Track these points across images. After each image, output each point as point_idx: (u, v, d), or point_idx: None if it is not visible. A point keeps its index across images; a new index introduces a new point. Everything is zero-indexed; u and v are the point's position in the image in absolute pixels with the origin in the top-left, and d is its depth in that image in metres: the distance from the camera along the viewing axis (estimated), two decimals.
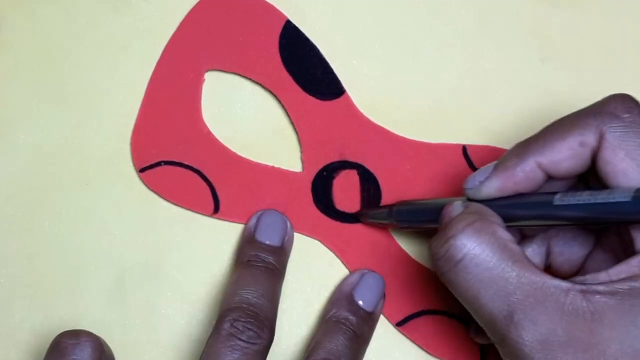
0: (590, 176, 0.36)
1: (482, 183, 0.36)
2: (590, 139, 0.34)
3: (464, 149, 0.43)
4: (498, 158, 0.36)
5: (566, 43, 0.44)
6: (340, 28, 0.44)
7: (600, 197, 0.33)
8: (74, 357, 0.36)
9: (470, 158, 0.43)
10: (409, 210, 0.41)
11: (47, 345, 0.37)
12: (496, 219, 0.35)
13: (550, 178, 0.35)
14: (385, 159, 0.43)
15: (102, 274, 0.42)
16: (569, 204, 0.34)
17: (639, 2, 0.45)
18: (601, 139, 0.34)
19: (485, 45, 0.44)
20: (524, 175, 0.35)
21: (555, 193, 0.35)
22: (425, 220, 0.40)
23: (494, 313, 0.33)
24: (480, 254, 0.33)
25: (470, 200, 0.37)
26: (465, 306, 0.35)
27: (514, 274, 0.33)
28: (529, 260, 0.34)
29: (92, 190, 0.43)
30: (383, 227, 0.42)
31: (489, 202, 0.36)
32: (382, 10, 0.44)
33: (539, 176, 0.35)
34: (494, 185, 0.36)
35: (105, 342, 0.38)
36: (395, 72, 0.44)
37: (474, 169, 0.43)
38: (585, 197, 0.33)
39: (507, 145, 0.42)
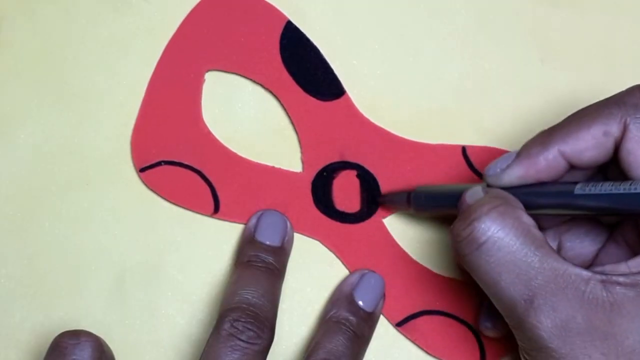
0: (610, 167, 0.36)
1: (503, 170, 0.36)
2: (614, 128, 0.34)
3: (464, 149, 0.43)
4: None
5: (566, 43, 0.44)
6: (341, 28, 0.44)
7: (622, 188, 0.33)
8: (74, 357, 0.36)
9: (470, 159, 0.43)
10: (427, 194, 0.40)
11: (47, 345, 0.37)
12: (518, 204, 0.35)
13: (571, 167, 0.35)
14: (385, 160, 0.43)
15: (102, 274, 0.42)
16: (590, 194, 0.34)
17: (639, 2, 0.45)
18: (624, 129, 0.34)
19: (485, 45, 0.44)
20: (547, 163, 0.35)
21: (575, 182, 0.35)
22: (444, 205, 0.39)
23: (514, 296, 0.33)
24: (503, 237, 0.34)
25: (490, 187, 0.37)
26: (484, 289, 0.35)
27: (536, 259, 0.33)
28: (551, 247, 0.34)
29: (92, 190, 0.43)
30: (401, 210, 0.42)
31: (509, 190, 0.36)
32: (382, 11, 0.44)
33: (561, 165, 0.35)
34: (515, 173, 0.36)
35: (105, 342, 0.38)
36: (395, 73, 0.44)
37: (473, 169, 0.43)
38: (606, 187, 0.33)
39: (507, 146, 0.42)
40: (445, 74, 0.44)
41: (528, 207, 0.35)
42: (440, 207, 0.40)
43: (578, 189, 0.34)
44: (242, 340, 0.37)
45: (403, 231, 0.43)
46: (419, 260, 0.43)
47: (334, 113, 0.43)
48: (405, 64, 0.44)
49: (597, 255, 0.38)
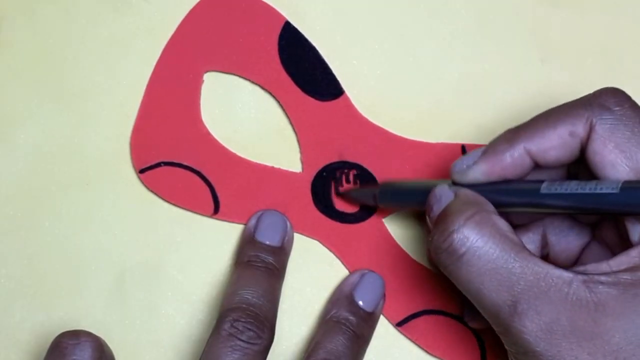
0: (580, 169, 0.36)
1: (469, 167, 0.36)
2: (580, 129, 0.34)
3: (463, 148, 0.43)
4: None
5: (566, 43, 0.44)
6: (340, 28, 0.44)
7: (588, 187, 0.33)
8: (74, 357, 0.36)
9: None
10: (392, 191, 0.41)
11: (47, 345, 0.37)
12: (490, 207, 0.35)
13: (537, 166, 0.36)
14: (384, 159, 0.43)
15: (102, 274, 0.42)
16: (556, 193, 0.34)
17: (639, 2, 0.45)
18: (591, 130, 0.34)
19: (485, 45, 0.44)
20: (512, 160, 0.35)
21: (542, 181, 0.35)
22: (410, 202, 0.40)
23: (498, 303, 0.33)
24: (482, 246, 0.34)
25: (455, 183, 0.37)
26: (468, 297, 0.35)
27: (517, 264, 0.33)
28: (529, 251, 0.34)
29: (92, 190, 0.43)
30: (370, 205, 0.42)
31: (475, 187, 0.36)
32: (381, 11, 0.44)
33: (527, 162, 0.35)
34: (480, 169, 0.36)
35: (105, 342, 0.38)
36: (395, 72, 0.44)
37: None
38: (572, 187, 0.34)
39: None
40: (445, 74, 0.44)
41: (496, 206, 0.35)
42: (406, 203, 0.41)
43: (544, 188, 0.34)
44: (242, 341, 0.37)
45: (403, 231, 0.43)
46: (419, 260, 0.43)
47: (333, 113, 0.43)
48: (405, 64, 0.44)
49: (582, 252, 0.38)
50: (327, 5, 0.44)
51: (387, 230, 0.43)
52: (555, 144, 0.35)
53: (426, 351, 0.42)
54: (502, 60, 0.44)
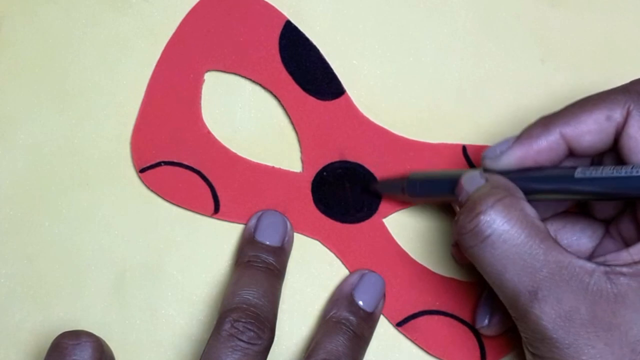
0: (606, 158, 0.36)
1: (503, 152, 0.36)
2: (617, 114, 0.34)
3: (464, 148, 0.43)
4: None
5: (566, 43, 0.44)
6: (340, 28, 0.44)
7: (624, 171, 0.33)
8: (74, 358, 0.36)
9: (470, 158, 0.43)
10: (422, 180, 0.40)
11: (47, 345, 0.37)
12: (520, 193, 0.35)
13: (570, 154, 0.36)
14: (385, 159, 0.43)
15: (102, 274, 0.42)
16: (591, 177, 0.34)
17: (639, 2, 0.45)
18: (627, 115, 0.34)
19: (485, 45, 0.44)
20: (547, 145, 0.35)
21: (575, 167, 0.35)
22: (440, 191, 0.39)
23: (519, 288, 0.33)
24: (508, 230, 0.34)
25: (486, 170, 0.37)
26: (487, 280, 0.35)
27: (541, 251, 0.33)
28: (554, 239, 0.34)
29: (92, 190, 0.43)
30: (399, 200, 0.42)
31: (507, 175, 0.36)
32: (382, 10, 0.44)
33: (562, 148, 0.35)
34: (515, 154, 0.36)
35: (105, 342, 0.38)
36: (395, 72, 0.44)
37: (473, 168, 0.43)
38: (607, 171, 0.34)
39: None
40: (445, 74, 0.44)
41: (527, 193, 0.35)
42: (435, 193, 0.40)
43: (579, 173, 0.34)
44: (243, 341, 0.37)
45: (403, 231, 0.43)
46: (419, 260, 0.43)
47: (334, 113, 0.43)
48: (405, 64, 0.44)
49: (593, 252, 0.38)
50: (328, 5, 0.44)
51: (387, 230, 0.43)
52: (591, 129, 0.35)
53: (426, 351, 0.42)
54: (502, 60, 0.44)
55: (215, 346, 0.37)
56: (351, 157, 0.43)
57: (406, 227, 0.43)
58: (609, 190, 0.34)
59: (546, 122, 0.36)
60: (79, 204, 0.43)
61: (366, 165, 0.43)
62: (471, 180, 0.36)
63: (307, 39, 0.43)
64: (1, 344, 0.41)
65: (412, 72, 0.44)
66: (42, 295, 0.42)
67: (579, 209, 0.40)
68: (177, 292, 0.42)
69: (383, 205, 0.43)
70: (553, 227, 0.39)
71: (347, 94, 0.43)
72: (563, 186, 0.35)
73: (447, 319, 0.42)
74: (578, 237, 0.38)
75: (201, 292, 0.42)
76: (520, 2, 0.44)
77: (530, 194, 0.35)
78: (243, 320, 0.37)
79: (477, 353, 0.42)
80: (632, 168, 0.33)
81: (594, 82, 0.43)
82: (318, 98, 0.43)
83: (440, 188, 0.39)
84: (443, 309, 0.42)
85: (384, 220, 0.43)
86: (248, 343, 0.37)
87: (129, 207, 0.43)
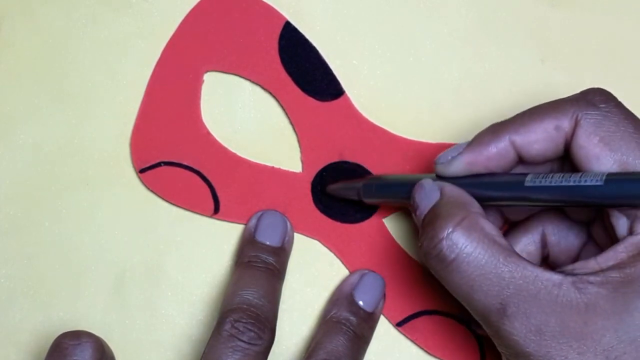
0: (565, 167, 0.36)
1: (454, 158, 0.36)
2: (565, 123, 0.35)
3: None
4: None
5: (566, 43, 0.44)
6: (340, 29, 0.44)
7: (572, 180, 0.33)
8: (75, 358, 0.36)
9: None
10: (376, 185, 0.41)
11: (47, 346, 0.37)
12: (477, 208, 0.35)
13: (521, 161, 0.36)
14: (384, 159, 0.43)
15: (102, 274, 0.42)
16: (540, 186, 0.34)
17: (639, 2, 0.45)
18: (576, 124, 0.34)
19: (485, 45, 0.44)
20: (497, 151, 0.35)
21: (526, 174, 0.35)
22: (394, 196, 0.40)
23: (488, 307, 0.34)
24: (472, 252, 0.34)
25: (438, 176, 0.37)
26: (459, 300, 0.35)
27: (506, 269, 0.33)
28: (518, 254, 0.34)
29: (92, 190, 0.43)
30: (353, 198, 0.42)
31: (459, 181, 0.36)
32: (381, 11, 0.44)
33: (511, 155, 0.36)
34: (464, 160, 0.36)
35: (105, 343, 0.38)
36: (395, 72, 0.44)
37: None
38: (556, 179, 0.34)
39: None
40: (445, 74, 0.44)
41: (480, 200, 0.36)
42: (390, 198, 0.40)
43: (528, 181, 0.34)
44: (243, 341, 0.37)
45: (403, 231, 0.43)
46: (419, 261, 0.43)
47: (333, 113, 0.43)
48: (405, 64, 0.44)
49: (580, 252, 0.38)
50: (327, 5, 0.44)
51: (387, 230, 0.43)
52: (540, 137, 0.35)
53: (426, 351, 0.42)
54: (502, 60, 0.44)
55: (216, 346, 0.37)
56: (351, 158, 0.43)
57: (406, 227, 0.43)
58: (559, 198, 0.34)
59: (496, 129, 0.36)
60: (79, 204, 0.43)
61: (366, 166, 0.43)
62: (425, 192, 0.36)
63: (306, 40, 0.43)
64: (1, 344, 0.41)
65: (411, 73, 0.44)
66: (42, 295, 0.42)
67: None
68: (177, 292, 0.42)
69: (383, 206, 0.43)
70: (541, 224, 0.39)
71: (346, 94, 0.43)
72: (514, 193, 0.35)
73: (447, 319, 0.42)
74: (566, 234, 0.38)
75: (201, 292, 0.42)
76: (520, 2, 0.44)
77: (485, 201, 0.36)
78: (243, 320, 0.37)
79: (477, 353, 0.42)
80: (580, 177, 0.33)
81: (594, 82, 0.43)
82: (317, 99, 0.43)
83: (394, 193, 0.40)
84: (443, 309, 0.42)
85: (384, 220, 0.43)
86: (248, 343, 0.37)
87: (129, 207, 0.43)
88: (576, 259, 0.38)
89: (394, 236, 0.43)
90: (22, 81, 0.43)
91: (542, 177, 0.34)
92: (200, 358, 0.37)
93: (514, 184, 0.35)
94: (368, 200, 0.41)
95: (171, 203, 0.42)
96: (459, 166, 0.36)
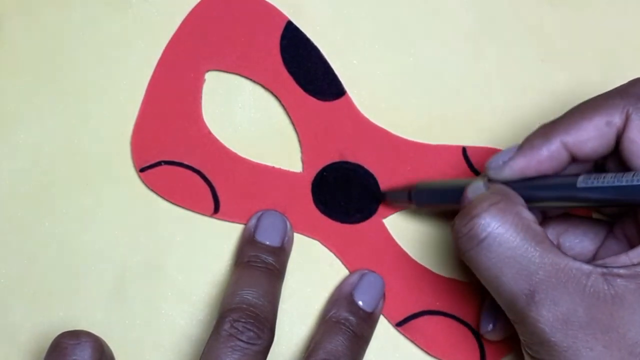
0: (609, 160, 0.36)
1: (505, 163, 0.36)
2: (616, 119, 0.34)
3: (464, 150, 0.43)
4: None
5: (566, 43, 0.44)
6: (341, 28, 0.44)
7: (625, 180, 0.33)
8: (74, 358, 0.36)
9: (470, 159, 0.43)
10: (428, 190, 0.41)
11: (47, 345, 0.37)
12: (519, 199, 0.35)
13: (573, 160, 0.36)
14: (385, 160, 0.43)
15: (102, 274, 0.42)
16: (593, 186, 0.34)
17: (639, 2, 0.45)
18: (627, 119, 0.34)
19: (486, 45, 0.44)
20: (549, 154, 0.35)
21: (577, 175, 0.35)
22: (446, 201, 0.40)
23: (515, 292, 0.33)
24: (503, 233, 0.34)
25: (491, 180, 0.37)
26: (485, 285, 0.35)
27: (537, 254, 0.33)
28: (551, 241, 0.34)
29: (92, 190, 0.43)
30: (403, 208, 0.42)
31: (511, 184, 0.36)
32: (382, 11, 0.44)
33: (563, 156, 0.35)
34: (517, 165, 0.36)
35: (105, 342, 0.38)
36: (395, 73, 0.44)
37: (473, 170, 0.43)
38: (609, 180, 0.34)
39: (508, 146, 0.42)
40: (445, 74, 0.44)
41: (530, 201, 0.35)
42: (441, 202, 0.40)
43: (581, 182, 0.34)
44: (242, 341, 0.37)
45: (403, 231, 0.43)
46: (419, 260, 0.43)
47: (335, 113, 0.43)
48: (406, 64, 0.44)
49: (596, 253, 0.38)
50: (329, 5, 0.44)
51: (387, 230, 0.43)
52: (592, 135, 0.35)
53: (426, 351, 0.42)
54: (502, 60, 0.44)
55: (215, 346, 0.37)
56: (351, 158, 0.43)
57: (406, 228, 0.43)
58: (611, 198, 0.34)
59: (546, 132, 0.36)
60: (79, 204, 0.43)
61: (366, 166, 0.43)
62: (474, 190, 0.36)
63: (308, 40, 0.43)
64: (1, 344, 0.41)
65: (412, 73, 0.44)
66: (42, 295, 0.42)
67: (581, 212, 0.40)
68: (177, 292, 0.42)
69: (383, 206, 0.43)
70: (555, 231, 0.39)
71: (347, 94, 0.43)
72: (566, 194, 0.35)
73: (447, 319, 0.42)
74: (580, 239, 0.38)
75: (201, 292, 0.42)
76: (520, 2, 0.44)
77: (533, 202, 0.35)
78: (243, 320, 0.37)
79: (477, 353, 0.42)
80: (633, 176, 0.33)
81: (594, 82, 0.43)
82: (319, 98, 0.43)
83: (446, 197, 0.40)
84: (443, 309, 0.42)
85: (384, 220, 0.43)
86: (247, 343, 0.37)
87: (129, 207, 0.43)
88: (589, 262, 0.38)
89: (394, 236, 0.43)
90: (22, 81, 0.43)
91: (594, 178, 0.34)
92: (200, 357, 0.37)
93: (566, 185, 0.35)
94: (419, 205, 0.41)
95: (171, 202, 0.42)
96: (512, 172, 0.36)
